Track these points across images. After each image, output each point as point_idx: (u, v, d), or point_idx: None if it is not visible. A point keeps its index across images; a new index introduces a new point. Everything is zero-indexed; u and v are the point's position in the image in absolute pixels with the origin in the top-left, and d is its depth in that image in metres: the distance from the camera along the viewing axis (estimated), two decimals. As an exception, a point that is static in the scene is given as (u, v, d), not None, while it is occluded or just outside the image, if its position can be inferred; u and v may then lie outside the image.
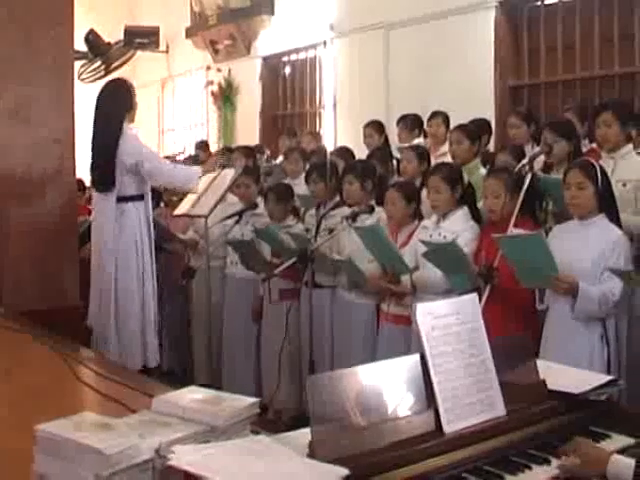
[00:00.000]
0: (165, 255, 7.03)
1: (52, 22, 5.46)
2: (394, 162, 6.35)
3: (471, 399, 2.29)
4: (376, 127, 7.21)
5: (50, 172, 5.47)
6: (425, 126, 6.89)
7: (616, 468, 2.13)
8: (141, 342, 5.26)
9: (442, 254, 4.34)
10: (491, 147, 6.60)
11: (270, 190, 6.07)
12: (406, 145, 6.46)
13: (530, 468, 2.22)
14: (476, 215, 4.64)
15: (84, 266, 5.48)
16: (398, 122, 7.14)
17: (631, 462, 2.09)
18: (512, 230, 4.09)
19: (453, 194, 4.63)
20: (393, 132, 7.25)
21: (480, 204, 4.70)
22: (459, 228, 4.53)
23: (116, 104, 5.33)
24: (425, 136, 6.92)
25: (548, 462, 2.25)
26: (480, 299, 2.58)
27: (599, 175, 3.90)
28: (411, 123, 7.03)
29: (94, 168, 5.40)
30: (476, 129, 5.76)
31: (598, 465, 2.16)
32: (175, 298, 7.11)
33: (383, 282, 4.82)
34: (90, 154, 5.42)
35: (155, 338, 5.37)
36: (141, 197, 5.36)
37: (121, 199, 5.26)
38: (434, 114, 6.73)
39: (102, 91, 5.48)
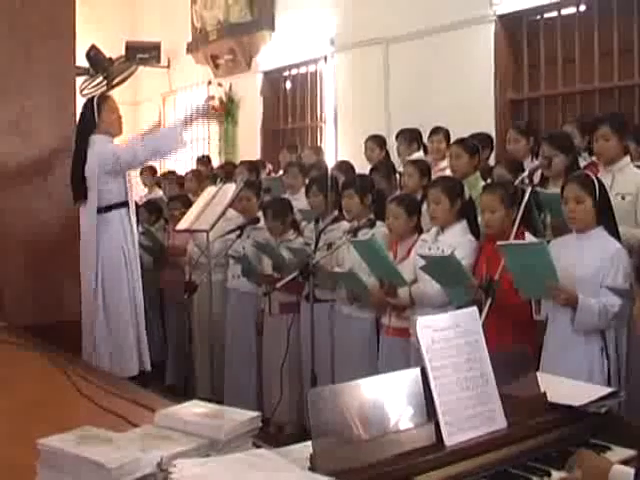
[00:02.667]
0: (168, 271, 7.07)
1: (52, 36, 5.51)
2: (397, 176, 6.36)
3: (472, 412, 2.30)
4: (377, 141, 7.23)
5: (51, 185, 5.49)
6: (426, 141, 6.90)
7: (617, 478, 2.13)
8: (136, 348, 5.29)
9: (441, 267, 4.34)
10: (492, 161, 6.60)
11: (267, 206, 6.09)
12: (410, 159, 6.46)
13: (531, 480, 2.22)
14: (475, 229, 4.65)
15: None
16: (397, 136, 7.15)
17: (631, 471, 2.10)
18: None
19: (452, 207, 4.64)
20: (393, 146, 7.28)
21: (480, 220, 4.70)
22: (456, 241, 4.53)
23: (81, 121, 5.37)
24: (425, 150, 6.93)
25: (548, 475, 2.25)
26: (480, 312, 2.58)
27: (597, 188, 3.92)
28: (410, 137, 7.03)
29: (71, 182, 5.40)
30: (475, 143, 5.75)
31: (600, 475, 2.16)
32: (177, 313, 7.13)
33: (381, 295, 4.83)
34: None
35: (146, 341, 5.40)
36: (124, 204, 5.36)
37: (102, 209, 5.26)
38: (435, 130, 6.74)
39: None
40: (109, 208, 5.27)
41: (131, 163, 5.35)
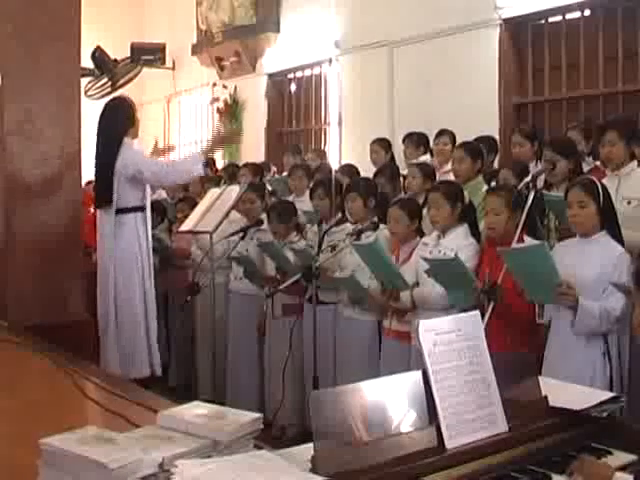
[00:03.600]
0: (172, 272, 7.08)
1: (57, 37, 5.50)
2: (401, 179, 6.35)
3: (473, 415, 2.30)
4: (382, 144, 7.23)
5: (55, 187, 5.50)
6: (432, 144, 6.89)
7: None
8: (147, 351, 5.31)
9: (445, 270, 4.34)
10: (496, 165, 6.59)
11: (272, 208, 6.10)
12: (414, 162, 6.47)
13: (531, 484, 2.22)
14: (476, 233, 4.65)
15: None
16: (404, 139, 7.15)
17: (630, 478, 2.10)
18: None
19: (453, 211, 4.64)
20: (397, 149, 7.28)
21: (482, 224, 4.69)
22: (458, 245, 4.53)
23: (117, 122, 5.40)
24: (432, 154, 6.92)
25: (549, 478, 2.25)
26: (482, 316, 2.58)
27: (600, 193, 3.92)
28: (417, 140, 7.03)
29: (96, 185, 5.46)
30: (479, 147, 5.73)
31: None
32: (181, 314, 7.14)
33: (383, 298, 4.84)
34: (93, 171, 5.48)
35: (157, 349, 5.44)
36: (140, 208, 5.40)
37: (120, 210, 5.31)
38: (441, 132, 6.73)
39: (104, 109, 5.54)
40: (126, 210, 5.32)
41: (150, 179, 5.43)
